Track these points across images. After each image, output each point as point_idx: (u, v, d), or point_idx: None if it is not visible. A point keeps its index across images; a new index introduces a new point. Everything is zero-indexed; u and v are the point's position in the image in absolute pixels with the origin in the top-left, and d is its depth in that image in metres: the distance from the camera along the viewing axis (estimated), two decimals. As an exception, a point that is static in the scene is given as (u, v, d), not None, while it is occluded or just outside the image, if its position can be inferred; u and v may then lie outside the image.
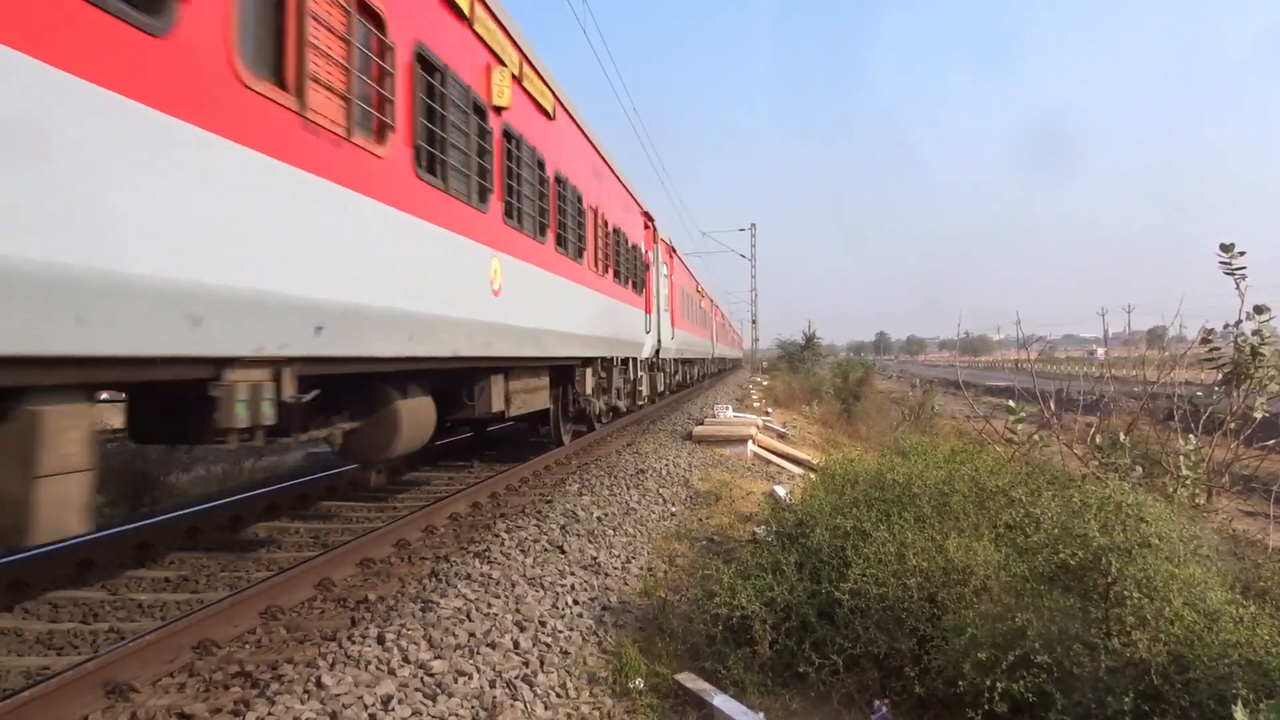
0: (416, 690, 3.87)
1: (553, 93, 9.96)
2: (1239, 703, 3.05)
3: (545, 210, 9.61)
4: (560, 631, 4.85)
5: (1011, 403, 9.17)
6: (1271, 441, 7.83)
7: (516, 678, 4.16)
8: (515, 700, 3.95)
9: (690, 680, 4.31)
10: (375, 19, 5.59)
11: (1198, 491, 7.32)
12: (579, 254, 11.40)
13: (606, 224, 13.48)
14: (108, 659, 3.82)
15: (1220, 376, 7.76)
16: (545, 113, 9.62)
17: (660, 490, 9.33)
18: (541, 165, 9.54)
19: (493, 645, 4.49)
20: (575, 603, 5.40)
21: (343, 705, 3.61)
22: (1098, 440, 7.83)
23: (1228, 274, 7.31)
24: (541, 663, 4.39)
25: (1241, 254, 7.28)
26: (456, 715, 3.71)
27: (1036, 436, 8.56)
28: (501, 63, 7.98)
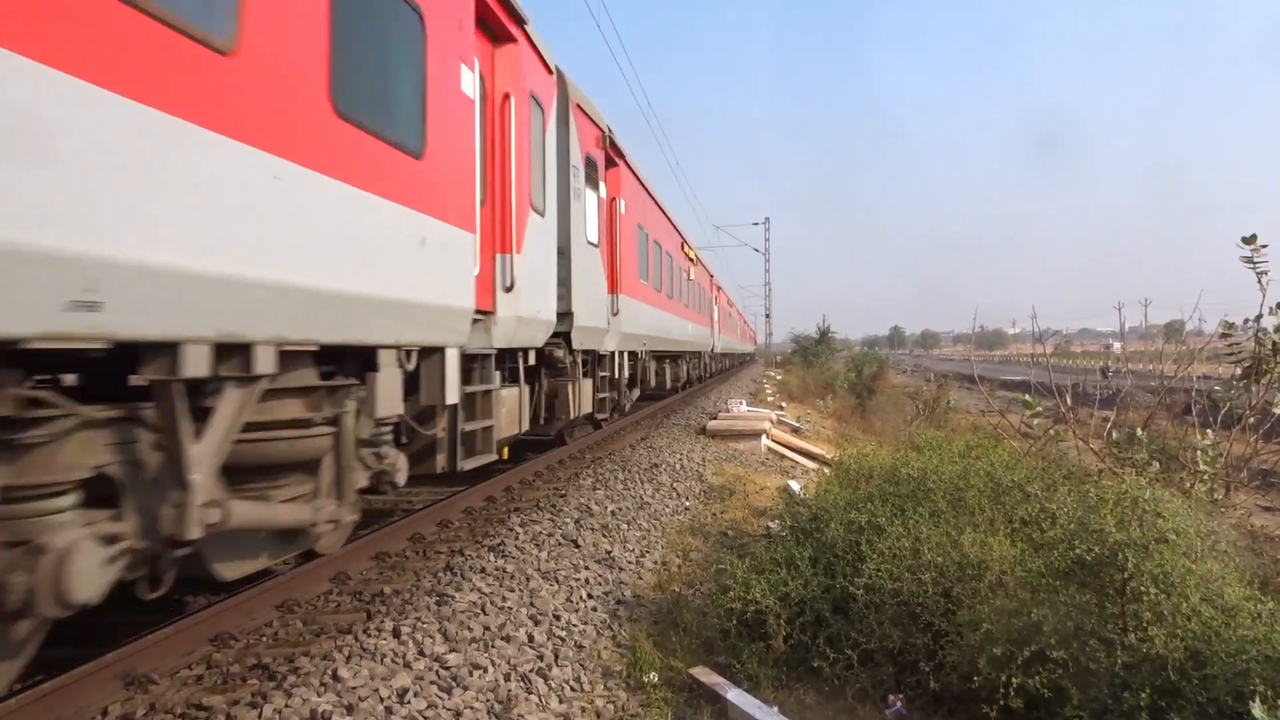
0: (432, 683, 3.90)
1: (693, 251, 24.70)
2: (1257, 699, 3.03)
3: (691, 293, 23.67)
4: (574, 625, 4.87)
5: (1027, 397, 9.10)
6: (1290, 437, 7.74)
7: (531, 671, 4.18)
8: (530, 693, 3.97)
9: (704, 674, 4.32)
10: (690, 273, 23.48)
11: (1215, 487, 7.24)
12: (703, 309, 27.45)
13: (700, 288, 27.02)
14: (126, 651, 3.86)
15: (1239, 371, 7.67)
16: (686, 254, 22.91)
17: (674, 485, 9.34)
18: (688, 277, 23.16)
19: (507, 639, 4.51)
20: (589, 596, 5.42)
21: (359, 698, 3.64)
22: (1114, 435, 7.77)
23: (1249, 268, 7.19)
24: (556, 656, 4.41)
25: (1264, 247, 7.16)
26: (471, 708, 3.73)
27: (1052, 431, 8.50)
28: (697, 261, 25.73)
